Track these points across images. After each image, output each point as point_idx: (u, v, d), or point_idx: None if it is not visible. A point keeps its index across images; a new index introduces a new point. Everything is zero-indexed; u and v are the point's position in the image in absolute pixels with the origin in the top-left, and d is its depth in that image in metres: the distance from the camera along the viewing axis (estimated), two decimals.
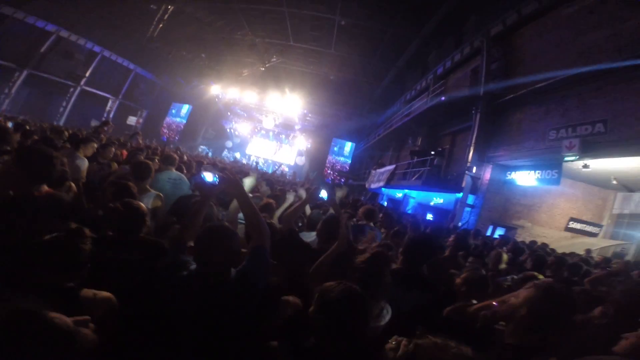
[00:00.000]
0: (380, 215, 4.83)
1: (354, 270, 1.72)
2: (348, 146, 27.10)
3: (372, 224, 3.79)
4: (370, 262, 1.73)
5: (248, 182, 2.99)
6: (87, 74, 19.56)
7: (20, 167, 1.82)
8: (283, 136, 27.95)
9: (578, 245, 8.34)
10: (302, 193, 3.52)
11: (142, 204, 1.93)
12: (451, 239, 3.52)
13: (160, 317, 1.44)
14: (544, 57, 8.75)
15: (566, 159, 7.39)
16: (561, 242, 8.98)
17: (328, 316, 1.23)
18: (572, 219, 10.47)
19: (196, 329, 1.41)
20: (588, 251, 7.74)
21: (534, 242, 7.55)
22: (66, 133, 5.57)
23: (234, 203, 2.80)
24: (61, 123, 17.69)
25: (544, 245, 7.41)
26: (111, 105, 22.37)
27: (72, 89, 19.49)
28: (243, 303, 1.49)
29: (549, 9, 8.82)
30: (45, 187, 1.89)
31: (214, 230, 1.52)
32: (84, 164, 3.79)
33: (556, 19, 8.66)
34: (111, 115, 22.00)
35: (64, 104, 19.54)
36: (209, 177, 1.86)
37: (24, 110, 15.98)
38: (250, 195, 3.52)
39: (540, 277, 3.17)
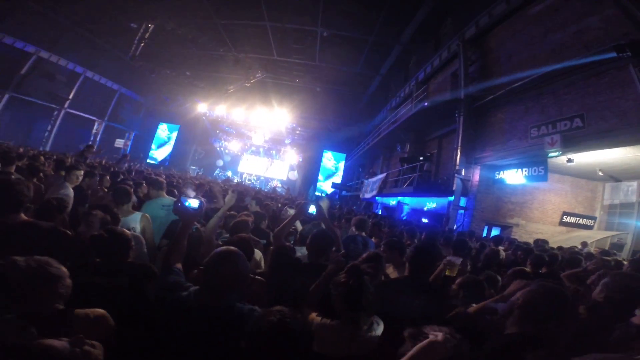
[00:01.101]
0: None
1: (337, 286, 1.72)
2: (339, 157, 27.14)
3: (363, 233, 3.88)
4: (349, 278, 1.73)
5: (228, 200, 3.04)
6: (71, 96, 19.22)
7: None
8: (274, 152, 27.91)
9: (574, 239, 8.41)
10: (292, 212, 3.53)
11: (125, 230, 1.94)
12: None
13: (153, 337, 1.46)
14: (518, 57, 9.00)
15: (550, 155, 7.54)
16: (557, 237, 9.07)
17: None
18: (565, 213, 10.58)
19: (186, 349, 1.40)
20: (584, 244, 7.74)
21: (527, 244, 7.54)
22: (42, 159, 5.47)
23: (213, 220, 2.81)
24: (47, 148, 17.38)
25: (544, 242, 7.39)
26: (97, 128, 22.05)
27: (56, 112, 19.15)
28: (236, 330, 1.47)
29: (516, 9, 9.14)
30: (22, 216, 1.84)
31: (222, 256, 1.52)
32: (71, 193, 3.69)
33: (524, 19, 8.97)
34: (98, 138, 21.69)
35: (49, 127, 19.15)
36: (193, 202, 1.82)
37: (8, 135, 15.62)
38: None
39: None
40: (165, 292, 1.53)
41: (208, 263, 1.50)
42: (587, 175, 10.22)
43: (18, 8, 14.68)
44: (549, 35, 8.04)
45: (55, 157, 6.63)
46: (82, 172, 4.00)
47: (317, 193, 23.43)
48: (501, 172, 9.58)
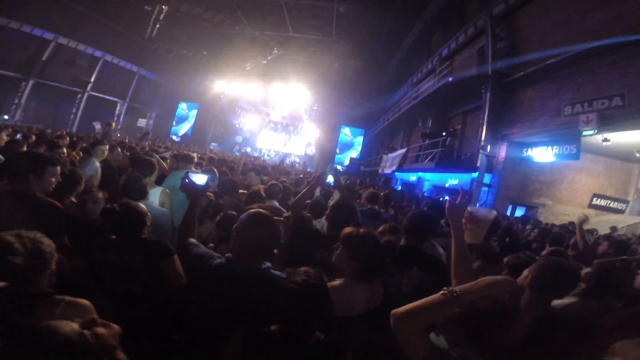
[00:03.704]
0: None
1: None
2: (357, 133, 26.85)
3: (376, 206, 3.87)
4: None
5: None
6: (92, 79, 19.71)
7: None
8: (291, 127, 27.79)
9: (604, 223, 8.00)
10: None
11: (140, 205, 1.87)
12: None
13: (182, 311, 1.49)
14: (551, 36, 8.51)
15: (584, 133, 7.26)
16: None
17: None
18: (596, 195, 10.07)
19: (224, 317, 1.38)
20: (613, 229, 7.39)
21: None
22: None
23: None
24: (73, 130, 17.97)
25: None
26: (120, 109, 22.59)
27: (79, 95, 19.72)
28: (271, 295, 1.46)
29: None
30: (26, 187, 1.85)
31: (256, 219, 1.50)
32: (93, 169, 3.74)
33: None
34: (121, 119, 22.26)
35: (74, 110, 19.78)
36: (199, 179, 1.75)
37: (36, 120, 16.20)
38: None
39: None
40: (198, 261, 1.52)
41: (242, 227, 1.47)
42: (622, 156, 9.66)
43: None
44: (587, 15, 7.55)
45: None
46: (107, 146, 4.08)
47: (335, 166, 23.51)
48: (529, 149, 9.22)
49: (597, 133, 7.07)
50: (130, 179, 2.59)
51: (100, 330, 0.81)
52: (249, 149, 25.72)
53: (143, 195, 2.54)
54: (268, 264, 1.51)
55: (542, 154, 8.83)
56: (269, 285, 1.42)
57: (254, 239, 1.45)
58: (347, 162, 23.89)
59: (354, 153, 26.03)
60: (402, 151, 14.70)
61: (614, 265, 2.52)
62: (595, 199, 10.05)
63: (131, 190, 2.47)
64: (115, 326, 0.85)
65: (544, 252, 2.90)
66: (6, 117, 15.54)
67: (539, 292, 1.59)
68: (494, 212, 2.25)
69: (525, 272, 1.65)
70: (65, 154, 3.94)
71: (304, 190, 2.58)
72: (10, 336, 0.76)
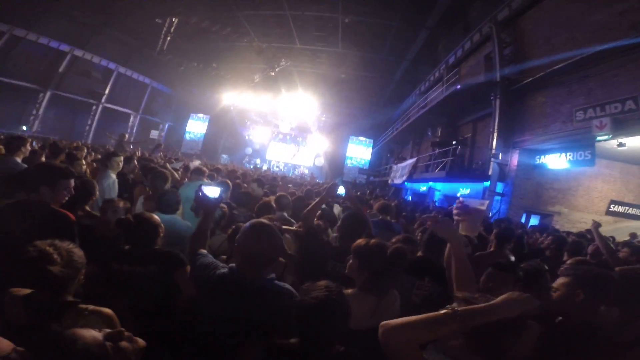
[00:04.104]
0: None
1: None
2: (366, 143, 26.95)
3: (388, 217, 3.91)
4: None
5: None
6: (106, 91, 20.18)
7: None
8: (300, 139, 28.03)
9: (623, 230, 7.74)
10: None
11: (154, 215, 1.89)
12: (494, 232, 3.29)
13: (190, 321, 1.50)
14: (557, 39, 8.44)
15: (598, 138, 7.06)
16: (603, 227, 8.32)
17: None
18: (613, 202, 9.77)
19: (227, 326, 1.38)
20: (633, 235, 7.15)
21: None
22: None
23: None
24: (89, 141, 18.39)
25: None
26: (133, 121, 23.04)
27: (94, 107, 20.19)
28: (276, 306, 1.45)
29: None
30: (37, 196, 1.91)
31: (257, 230, 1.50)
32: (110, 181, 3.79)
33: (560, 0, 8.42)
34: (134, 131, 22.68)
35: (89, 122, 20.24)
36: (212, 192, 1.77)
37: (53, 131, 16.66)
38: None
39: None
40: (202, 271, 1.53)
41: (243, 238, 1.48)
42: (639, 161, 9.35)
43: (49, 10, 15.34)
44: (590, 16, 7.47)
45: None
46: (121, 158, 4.13)
47: (344, 179, 23.57)
48: (542, 156, 9.03)
49: (612, 138, 6.87)
50: (168, 193, 2.61)
51: (125, 344, 0.82)
52: (258, 161, 25.95)
53: (174, 210, 2.57)
54: (272, 275, 1.51)
55: (556, 161, 8.65)
56: (272, 297, 1.41)
57: (254, 249, 1.45)
58: (357, 176, 24.07)
59: (364, 164, 26.33)
60: (412, 161, 14.62)
61: (637, 272, 2.45)
62: (612, 205, 9.76)
63: (164, 204, 2.50)
64: (140, 341, 0.86)
65: (569, 262, 2.80)
66: (24, 128, 16.00)
67: (588, 302, 1.56)
68: (487, 202, 2.22)
69: (563, 288, 1.61)
70: (85, 166, 4.04)
71: (315, 201, 2.57)
72: (38, 343, 0.79)
